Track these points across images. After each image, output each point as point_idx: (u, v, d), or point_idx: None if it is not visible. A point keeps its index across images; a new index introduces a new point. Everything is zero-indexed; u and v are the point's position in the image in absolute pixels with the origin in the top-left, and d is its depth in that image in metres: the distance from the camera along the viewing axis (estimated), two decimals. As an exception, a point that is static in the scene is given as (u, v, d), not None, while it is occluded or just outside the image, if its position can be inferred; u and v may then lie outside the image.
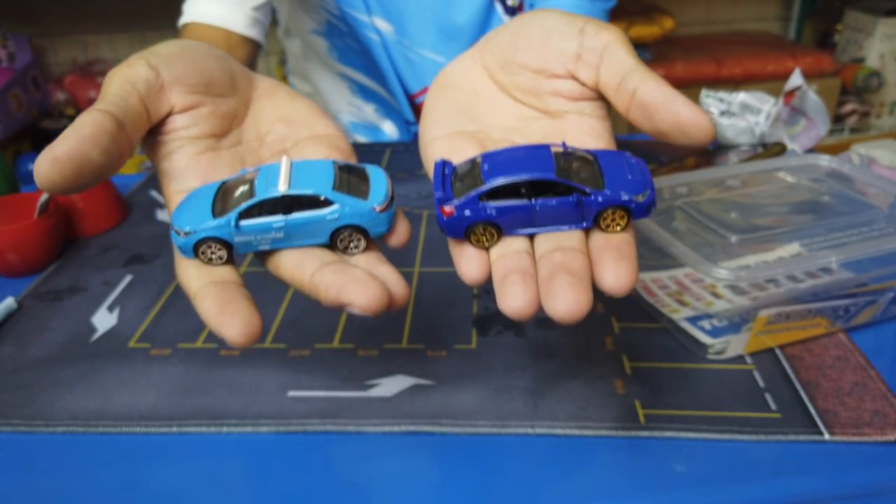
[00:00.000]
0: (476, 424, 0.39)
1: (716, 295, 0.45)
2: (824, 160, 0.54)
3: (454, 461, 0.37)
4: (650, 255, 0.47)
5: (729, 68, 1.80)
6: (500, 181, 0.30)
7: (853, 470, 0.36)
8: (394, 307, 0.29)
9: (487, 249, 0.31)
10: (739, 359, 0.44)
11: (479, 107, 0.36)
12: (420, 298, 0.51)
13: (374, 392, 0.42)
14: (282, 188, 0.30)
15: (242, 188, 0.31)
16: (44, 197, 0.55)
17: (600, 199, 0.29)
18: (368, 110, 0.88)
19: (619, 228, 0.29)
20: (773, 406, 0.40)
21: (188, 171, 0.33)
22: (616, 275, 0.27)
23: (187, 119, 0.34)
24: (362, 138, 0.90)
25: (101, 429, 0.39)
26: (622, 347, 0.45)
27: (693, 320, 0.45)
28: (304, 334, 0.47)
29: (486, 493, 0.35)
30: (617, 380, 0.42)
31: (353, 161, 0.35)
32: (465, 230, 0.30)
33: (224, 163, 0.34)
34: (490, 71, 0.37)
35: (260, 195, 0.30)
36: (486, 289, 0.52)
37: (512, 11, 0.80)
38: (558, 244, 0.30)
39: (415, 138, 0.88)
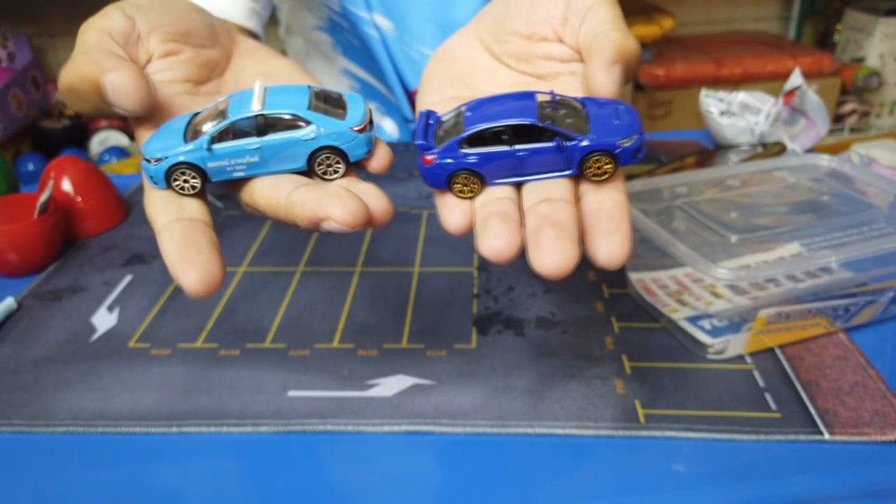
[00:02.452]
0: (476, 424, 0.39)
1: (716, 295, 0.45)
2: (824, 160, 0.54)
3: (454, 461, 0.37)
4: (650, 255, 0.47)
5: (729, 68, 1.80)
6: (479, 127, 0.29)
7: (853, 470, 0.36)
8: (375, 223, 0.28)
9: (472, 199, 0.30)
10: (739, 358, 0.44)
11: (475, 75, 0.36)
12: (420, 298, 0.51)
13: (373, 392, 0.42)
14: (255, 107, 0.29)
15: (215, 114, 0.30)
16: (44, 197, 0.55)
17: (584, 143, 0.29)
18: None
19: (605, 176, 0.29)
20: (772, 406, 0.40)
21: (162, 109, 0.32)
22: (609, 250, 0.26)
23: (164, 64, 0.33)
24: None
25: (101, 429, 0.39)
26: (622, 347, 0.45)
27: (693, 320, 0.45)
28: (304, 334, 0.47)
29: (486, 493, 0.35)
30: (617, 380, 0.42)
31: None
32: (446, 179, 0.30)
33: (199, 105, 0.33)
34: (484, 42, 0.37)
35: (233, 116, 0.29)
36: (486, 288, 0.52)
37: None
38: (546, 195, 0.29)
39: (413, 136, 0.88)
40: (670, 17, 1.80)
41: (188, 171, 0.29)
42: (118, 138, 1.81)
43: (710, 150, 0.73)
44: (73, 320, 0.50)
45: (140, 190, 0.71)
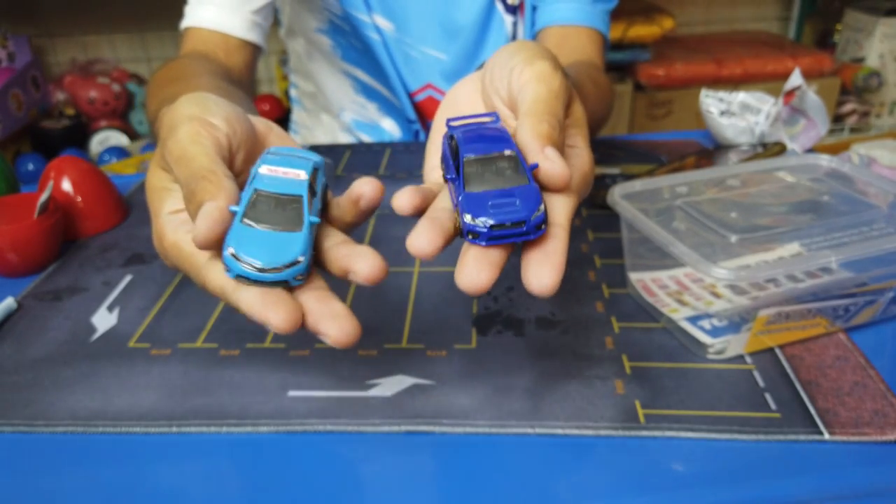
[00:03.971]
0: (476, 424, 0.39)
1: (716, 295, 0.45)
2: (824, 160, 0.54)
3: (454, 461, 0.37)
4: (650, 255, 0.47)
5: (729, 68, 1.80)
6: (444, 142, 0.35)
7: (853, 470, 0.36)
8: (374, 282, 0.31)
9: None
10: (739, 358, 0.44)
11: None
12: (420, 298, 0.51)
13: (373, 392, 0.42)
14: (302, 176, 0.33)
15: (276, 197, 0.32)
16: (44, 197, 0.55)
17: (457, 200, 0.31)
18: (371, 108, 0.89)
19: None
20: (772, 406, 0.40)
21: (187, 223, 0.34)
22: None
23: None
24: (365, 136, 0.91)
25: (101, 429, 0.39)
26: (622, 347, 0.45)
27: (693, 320, 0.45)
28: (303, 334, 0.47)
29: (486, 493, 0.35)
30: (617, 380, 0.42)
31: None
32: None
33: None
34: (482, 98, 0.39)
35: (313, 180, 0.33)
36: (486, 289, 0.52)
37: (513, 10, 0.80)
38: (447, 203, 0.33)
39: (415, 137, 0.88)
40: (670, 17, 1.80)
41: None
42: (118, 138, 1.82)
43: (710, 150, 0.73)
44: (73, 320, 0.50)
45: (140, 190, 0.71)
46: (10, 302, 0.51)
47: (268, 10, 0.71)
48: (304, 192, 0.32)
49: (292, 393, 0.42)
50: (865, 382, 0.41)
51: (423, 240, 0.29)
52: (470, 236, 0.30)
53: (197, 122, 0.33)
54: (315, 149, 0.78)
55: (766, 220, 0.47)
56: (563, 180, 0.31)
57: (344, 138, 0.93)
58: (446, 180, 0.34)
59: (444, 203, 0.33)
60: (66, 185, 0.61)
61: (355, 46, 0.83)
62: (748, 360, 0.43)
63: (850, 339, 0.45)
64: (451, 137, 0.34)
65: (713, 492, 0.35)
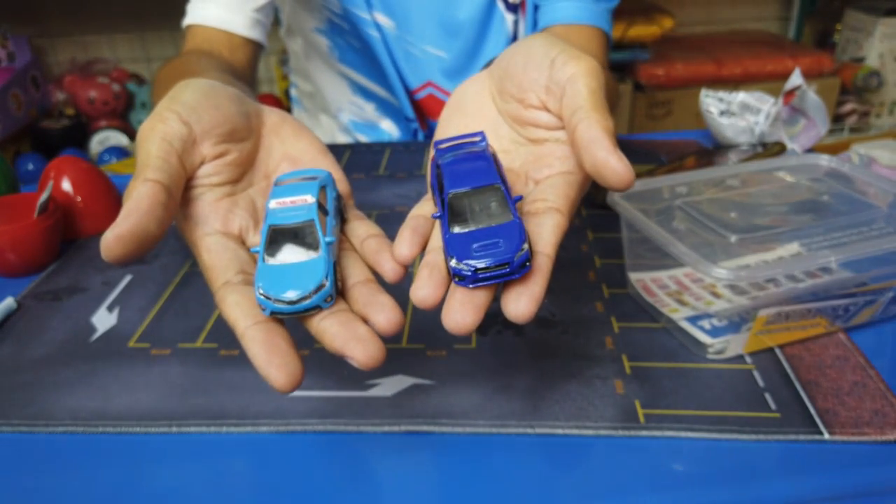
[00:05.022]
0: (476, 424, 0.39)
1: (715, 295, 0.45)
2: (824, 160, 0.54)
3: (454, 461, 0.37)
4: (650, 255, 0.47)
5: (729, 68, 1.79)
6: (432, 169, 0.35)
7: (853, 470, 0.36)
8: (389, 335, 0.31)
9: None
10: (739, 358, 0.44)
11: (482, 127, 0.38)
12: (420, 298, 0.51)
13: (373, 392, 0.42)
14: (310, 200, 0.34)
15: (292, 229, 0.33)
16: (43, 197, 0.55)
17: (445, 238, 0.31)
18: (369, 109, 0.89)
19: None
20: (772, 406, 0.40)
21: (210, 216, 0.35)
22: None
23: (211, 168, 0.36)
24: (363, 137, 0.91)
25: (101, 429, 0.39)
26: (622, 347, 0.45)
27: (693, 320, 0.45)
28: (304, 334, 0.47)
29: (486, 493, 0.35)
30: (617, 380, 0.42)
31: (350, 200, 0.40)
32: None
33: (240, 207, 0.36)
34: (492, 95, 0.39)
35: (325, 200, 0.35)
36: (486, 289, 0.51)
37: (513, 9, 0.80)
38: (439, 243, 0.33)
39: (414, 136, 0.88)
40: (670, 17, 1.80)
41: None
42: (118, 138, 1.82)
43: (710, 150, 0.73)
44: (73, 320, 0.50)
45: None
46: (10, 302, 0.51)
47: (269, 8, 0.72)
48: (315, 216, 0.33)
49: (292, 393, 0.42)
50: (865, 382, 0.41)
51: (425, 292, 0.30)
52: (456, 279, 0.30)
53: (151, 119, 0.34)
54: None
55: (765, 220, 0.47)
56: (630, 183, 0.30)
57: (342, 139, 0.93)
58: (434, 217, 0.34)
59: (437, 242, 0.33)
60: (66, 185, 0.61)
61: (353, 46, 0.83)
62: (748, 360, 0.43)
63: (850, 338, 0.45)
64: (437, 166, 0.34)
65: (713, 492, 0.35)
